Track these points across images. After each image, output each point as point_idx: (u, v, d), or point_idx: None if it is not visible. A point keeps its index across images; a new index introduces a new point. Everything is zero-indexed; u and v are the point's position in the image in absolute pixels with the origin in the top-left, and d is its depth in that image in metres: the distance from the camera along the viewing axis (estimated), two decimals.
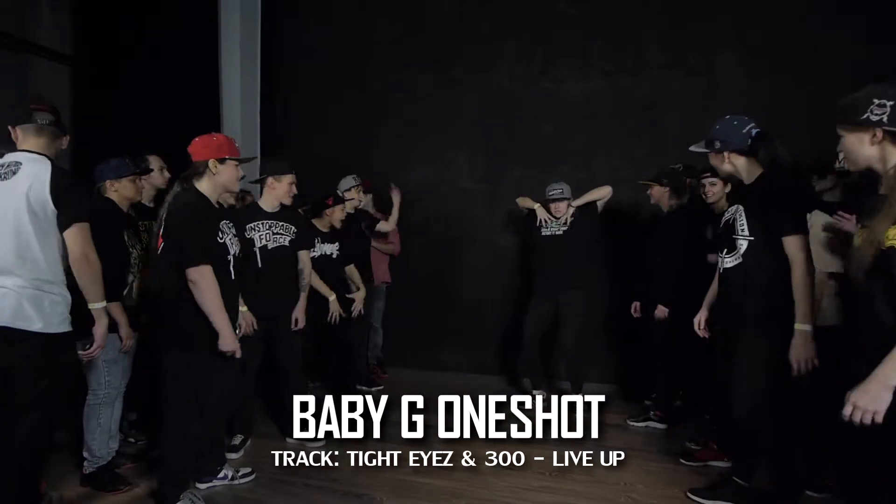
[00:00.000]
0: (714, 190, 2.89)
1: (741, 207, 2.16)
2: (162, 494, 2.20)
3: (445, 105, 4.38)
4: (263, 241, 2.80)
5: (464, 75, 4.33)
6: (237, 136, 4.16)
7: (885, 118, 1.44)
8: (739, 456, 2.34)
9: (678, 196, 3.11)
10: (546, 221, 3.42)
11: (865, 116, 1.46)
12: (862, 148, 1.50)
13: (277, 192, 2.82)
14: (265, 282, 2.75)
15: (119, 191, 2.52)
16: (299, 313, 2.90)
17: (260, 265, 2.79)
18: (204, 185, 2.20)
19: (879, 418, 1.37)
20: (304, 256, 2.95)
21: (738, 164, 2.17)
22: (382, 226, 3.90)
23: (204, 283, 2.02)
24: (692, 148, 2.32)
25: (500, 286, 4.25)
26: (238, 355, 2.16)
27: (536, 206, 3.50)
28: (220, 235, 2.18)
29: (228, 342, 2.09)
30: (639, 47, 3.91)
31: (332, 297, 3.16)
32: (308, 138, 4.67)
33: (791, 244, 2.00)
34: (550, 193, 3.40)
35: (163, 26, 4.99)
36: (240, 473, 2.52)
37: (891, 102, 1.43)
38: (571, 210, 3.41)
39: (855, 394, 1.39)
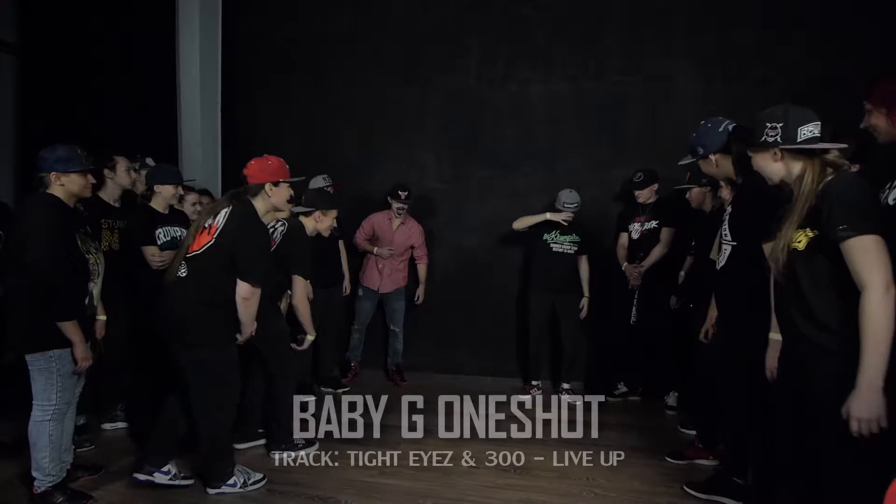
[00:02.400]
0: None
1: (727, 212, 2.22)
2: (215, 472, 2.40)
3: (411, 105, 4.36)
4: None
5: (429, 75, 4.32)
6: (197, 134, 4.06)
7: (778, 138, 1.61)
8: (734, 454, 2.33)
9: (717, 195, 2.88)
10: (557, 236, 3.72)
11: (763, 139, 1.64)
12: (769, 165, 1.67)
13: (321, 225, 3.11)
14: None
15: (66, 185, 2.24)
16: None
17: None
18: (258, 205, 2.39)
19: (885, 423, 1.36)
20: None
21: (726, 166, 2.19)
22: (383, 252, 4.02)
23: (254, 300, 2.31)
24: (680, 163, 2.35)
25: (466, 286, 4.27)
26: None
27: (548, 215, 3.68)
28: None
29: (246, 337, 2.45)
30: (599, 53, 4.00)
31: (312, 337, 2.99)
32: (270, 137, 4.55)
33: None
34: (566, 204, 3.64)
35: (117, 15, 4.78)
36: (182, 475, 2.46)
37: (780, 124, 1.60)
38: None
39: (853, 407, 1.38)
